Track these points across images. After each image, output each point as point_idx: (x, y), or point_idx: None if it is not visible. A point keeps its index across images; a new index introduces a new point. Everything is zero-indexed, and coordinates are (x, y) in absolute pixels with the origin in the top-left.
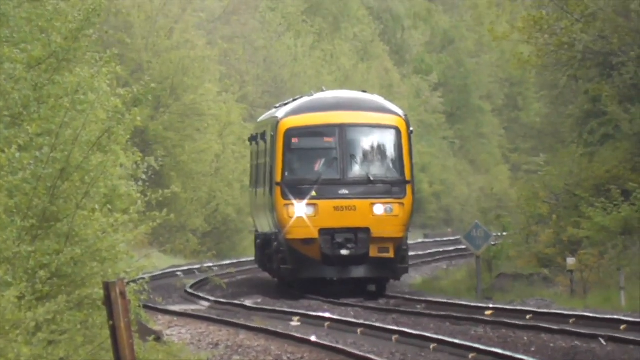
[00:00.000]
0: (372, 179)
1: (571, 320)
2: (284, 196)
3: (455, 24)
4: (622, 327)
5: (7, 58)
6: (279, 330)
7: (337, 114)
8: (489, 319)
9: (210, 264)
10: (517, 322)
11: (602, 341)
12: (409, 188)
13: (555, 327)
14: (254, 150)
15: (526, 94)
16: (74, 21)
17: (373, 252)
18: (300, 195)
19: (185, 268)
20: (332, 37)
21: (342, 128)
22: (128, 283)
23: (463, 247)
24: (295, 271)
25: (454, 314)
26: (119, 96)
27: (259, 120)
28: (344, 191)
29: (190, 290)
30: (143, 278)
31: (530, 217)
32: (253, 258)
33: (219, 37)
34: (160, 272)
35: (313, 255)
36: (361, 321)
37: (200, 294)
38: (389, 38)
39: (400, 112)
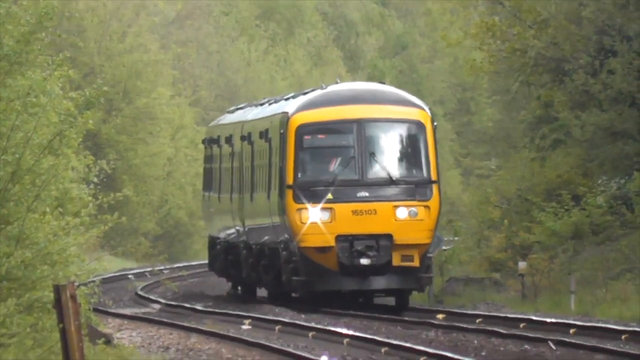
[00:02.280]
0: (394, 179)
1: (521, 325)
2: (296, 200)
3: (408, 29)
4: (572, 331)
5: None
6: (230, 334)
7: (355, 108)
8: (440, 322)
9: (162, 267)
10: (467, 326)
11: (552, 345)
12: (435, 189)
13: (505, 331)
14: (214, 153)
15: (478, 99)
16: (26, 24)
17: (396, 260)
18: (314, 198)
19: (137, 271)
20: (286, 42)
21: (361, 123)
22: (78, 286)
23: None
24: (309, 283)
25: (406, 318)
26: (71, 99)
27: (215, 123)
28: (363, 193)
29: (141, 293)
30: (94, 281)
31: (482, 221)
32: (205, 261)
33: (172, 41)
34: (112, 275)
35: (329, 265)
36: (312, 324)
37: (151, 297)
38: (342, 43)
39: (423, 104)
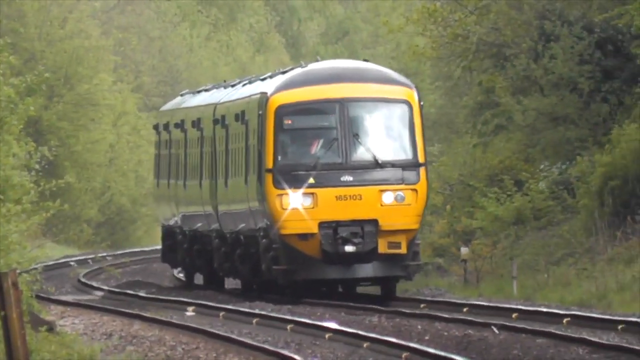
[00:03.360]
0: (379, 162)
1: (464, 309)
2: (277, 185)
3: (349, 15)
4: (514, 315)
5: None
6: (173, 320)
7: (337, 87)
8: (383, 308)
9: (104, 254)
10: (411, 311)
11: (495, 329)
12: (422, 172)
13: (448, 316)
14: (174, 138)
15: (421, 85)
16: None
17: (382, 247)
18: (295, 183)
19: (79, 258)
20: (228, 27)
21: (343, 103)
22: (20, 273)
23: None
24: (290, 272)
25: (349, 303)
26: (12, 85)
27: (170, 107)
28: (347, 177)
29: (83, 280)
30: (36, 268)
31: (425, 207)
32: (148, 248)
33: (113, 26)
34: (54, 262)
35: (312, 253)
36: (256, 311)
37: (94, 284)
38: (285, 29)
39: (409, 83)
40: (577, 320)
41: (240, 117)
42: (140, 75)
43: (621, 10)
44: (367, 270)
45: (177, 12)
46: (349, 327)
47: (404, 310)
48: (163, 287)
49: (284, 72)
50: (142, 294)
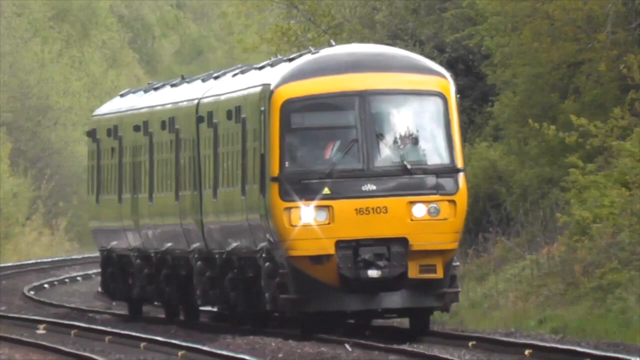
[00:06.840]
0: (409, 167)
1: None
2: (284, 196)
3: (204, 33)
4: (367, 332)
5: None
6: (23, 339)
7: (356, 77)
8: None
9: None
10: (264, 329)
11: (348, 347)
12: (461, 179)
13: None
14: (128, 145)
15: None
16: None
17: (413, 271)
18: (306, 194)
19: None
20: (81, 43)
21: (364, 97)
22: None
23: None
24: (301, 302)
25: (202, 320)
26: None
27: (112, 109)
28: (370, 186)
29: None
30: None
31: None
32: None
33: None
34: None
35: (327, 279)
36: (109, 329)
37: None
38: (139, 47)
39: (443, 71)
40: (430, 337)
41: (234, 114)
42: None
43: (472, 31)
44: (394, 299)
45: (28, 27)
46: (203, 345)
47: (256, 328)
48: (13, 304)
49: (290, 60)
50: None
